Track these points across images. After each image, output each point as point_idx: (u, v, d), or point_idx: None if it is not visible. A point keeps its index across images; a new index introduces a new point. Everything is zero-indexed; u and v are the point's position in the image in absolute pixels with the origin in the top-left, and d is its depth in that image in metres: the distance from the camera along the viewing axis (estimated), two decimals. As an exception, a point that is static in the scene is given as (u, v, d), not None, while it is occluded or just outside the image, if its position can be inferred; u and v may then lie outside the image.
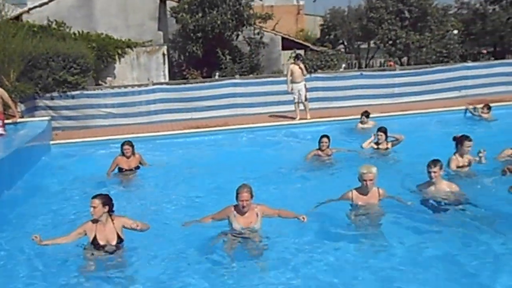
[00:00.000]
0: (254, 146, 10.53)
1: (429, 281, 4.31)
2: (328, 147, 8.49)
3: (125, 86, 13.97)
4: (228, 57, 17.98)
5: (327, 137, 8.53)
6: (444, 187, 5.90)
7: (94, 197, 5.01)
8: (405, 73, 14.97)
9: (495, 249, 4.77)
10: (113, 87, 13.95)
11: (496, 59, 17.46)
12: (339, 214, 5.73)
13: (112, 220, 5.01)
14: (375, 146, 8.84)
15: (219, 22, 17.01)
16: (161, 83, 14.01)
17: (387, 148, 8.81)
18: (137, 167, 8.25)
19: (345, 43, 24.59)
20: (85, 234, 5.01)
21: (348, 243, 5.13)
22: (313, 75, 14.26)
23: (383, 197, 5.75)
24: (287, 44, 23.01)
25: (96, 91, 13.50)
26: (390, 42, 18.47)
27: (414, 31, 18.39)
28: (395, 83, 14.78)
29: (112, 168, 8.11)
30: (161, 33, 20.39)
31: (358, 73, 14.83)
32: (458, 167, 6.84)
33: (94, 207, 4.92)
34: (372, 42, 20.18)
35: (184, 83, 14.09)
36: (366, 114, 11.21)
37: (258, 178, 7.41)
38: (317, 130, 11.30)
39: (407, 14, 18.83)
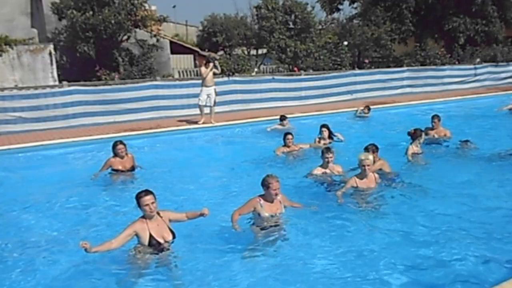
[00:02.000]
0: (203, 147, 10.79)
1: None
2: (292, 143, 9.14)
3: (36, 87, 12.68)
4: (125, 59, 17.46)
5: (291, 134, 9.18)
6: (339, 169, 7.27)
7: (147, 193, 4.66)
8: (309, 78, 16.45)
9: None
10: (21, 89, 12.54)
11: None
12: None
13: (159, 214, 4.76)
14: (319, 142, 9.58)
15: (113, 21, 16.40)
16: (78, 84, 13.02)
17: (330, 143, 9.66)
18: (132, 168, 7.90)
19: (225, 50, 25.54)
20: (136, 235, 4.63)
21: (359, 223, 5.69)
22: (231, 78, 14.85)
23: (379, 180, 6.65)
24: (176, 48, 23.15)
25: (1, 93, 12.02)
26: (280, 49, 19.99)
27: (299, 41, 20.19)
28: (302, 86, 16.19)
29: (103, 169, 7.69)
30: (35, 30, 18.76)
31: (271, 77, 15.81)
32: (413, 153, 8.20)
33: (153, 203, 4.62)
34: (265, 49, 21.54)
35: (103, 84, 13.36)
36: (283, 117, 11.92)
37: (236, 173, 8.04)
38: (244, 131, 12.23)
39: (292, 25, 20.59)
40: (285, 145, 9.11)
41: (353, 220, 5.78)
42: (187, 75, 21.91)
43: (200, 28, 27.92)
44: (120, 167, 7.77)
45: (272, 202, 5.39)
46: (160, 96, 13.70)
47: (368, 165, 6.43)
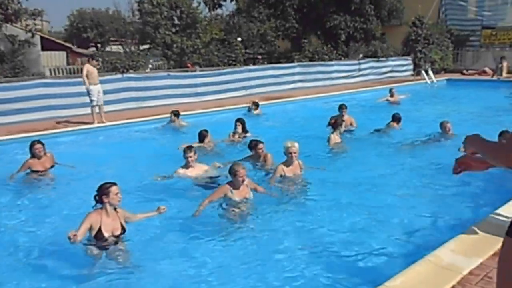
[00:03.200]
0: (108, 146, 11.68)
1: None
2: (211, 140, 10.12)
3: None
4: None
5: (207, 131, 10.11)
6: (204, 168, 7.95)
7: (114, 183, 5.20)
8: (204, 74, 17.90)
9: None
10: None
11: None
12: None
13: (116, 210, 5.27)
14: (234, 137, 10.80)
15: (-18, 16, 16.49)
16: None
17: (244, 137, 10.90)
18: (52, 167, 8.41)
19: (98, 46, 25.98)
20: (90, 228, 5.04)
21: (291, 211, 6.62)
22: (125, 75, 15.84)
23: (303, 167, 7.65)
24: (46, 44, 23.18)
25: None
26: (166, 46, 21.34)
27: (185, 36, 21.75)
28: (197, 83, 17.62)
29: (20, 170, 8.12)
30: None
31: (166, 73, 16.99)
32: (335, 143, 9.94)
33: (119, 193, 5.18)
34: (146, 45, 22.54)
35: (-15, 83, 13.50)
36: (176, 112, 13.11)
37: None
38: (144, 128, 13.14)
39: (177, 21, 22.08)
40: (201, 141, 9.91)
41: (284, 207, 6.63)
42: (60, 73, 22.15)
43: (67, 23, 28.09)
44: (40, 168, 8.18)
45: (239, 188, 6.35)
46: (50, 95, 14.06)
47: (294, 153, 7.35)
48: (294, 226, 6.06)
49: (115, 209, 5.24)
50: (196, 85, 17.59)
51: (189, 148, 7.70)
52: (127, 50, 18.71)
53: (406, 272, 4.02)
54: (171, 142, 11.48)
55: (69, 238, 4.60)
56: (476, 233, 4.76)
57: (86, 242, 5.09)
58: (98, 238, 5.05)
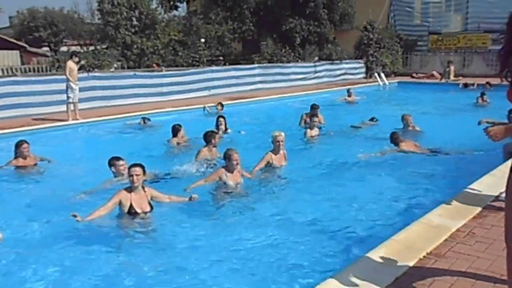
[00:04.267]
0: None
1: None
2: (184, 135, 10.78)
3: None
4: None
5: (180, 125, 10.71)
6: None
7: (136, 165, 5.78)
8: (169, 74, 18.53)
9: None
10: None
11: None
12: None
13: (143, 188, 5.89)
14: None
15: None
16: None
17: (226, 132, 11.69)
18: (35, 165, 8.73)
19: (51, 46, 25.80)
20: (119, 204, 5.69)
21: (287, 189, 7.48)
22: (90, 74, 16.16)
23: (287, 158, 8.36)
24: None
25: None
26: (125, 46, 21.60)
27: (145, 37, 22.13)
28: (163, 82, 18.20)
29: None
30: None
31: (132, 73, 17.42)
32: (311, 136, 10.95)
33: (137, 175, 5.69)
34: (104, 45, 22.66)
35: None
36: (146, 118, 13.64)
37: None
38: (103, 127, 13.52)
39: (135, 22, 22.37)
40: (174, 136, 10.53)
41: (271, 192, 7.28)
42: (13, 73, 21.86)
43: (10, 22, 27.65)
44: (23, 165, 8.49)
45: (233, 172, 7.03)
46: (20, 93, 14.30)
47: (281, 141, 8.05)
48: (288, 206, 6.73)
49: (143, 188, 5.86)
50: (161, 85, 18.10)
51: (116, 158, 7.37)
52: (85, 49, 18.86)
53: (406, 231, 4.92)
54: (145, 138, 12.08)
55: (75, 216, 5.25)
56: (456, 202, 5.73)
57: (115, 216, 5.70)
58: (130, 213, 5.70)
